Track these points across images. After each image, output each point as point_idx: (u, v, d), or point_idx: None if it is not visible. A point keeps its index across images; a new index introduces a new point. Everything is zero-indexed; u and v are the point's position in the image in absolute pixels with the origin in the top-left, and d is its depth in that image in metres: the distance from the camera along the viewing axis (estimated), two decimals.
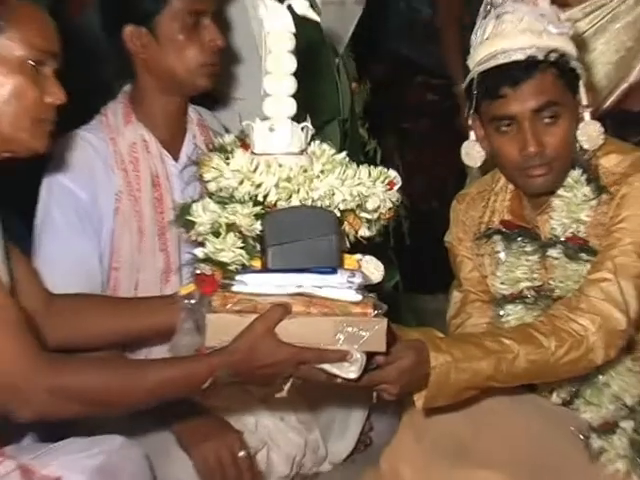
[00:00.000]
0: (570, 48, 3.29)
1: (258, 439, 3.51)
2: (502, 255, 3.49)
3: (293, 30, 2.78)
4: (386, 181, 2.80)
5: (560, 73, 3.24)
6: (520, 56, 3.21)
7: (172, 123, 3.71)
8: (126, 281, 3.61)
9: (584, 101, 3.34)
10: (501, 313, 3.49)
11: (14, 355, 2.63)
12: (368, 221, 2.83)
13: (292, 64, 2.78)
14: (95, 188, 3.55)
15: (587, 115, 3.33)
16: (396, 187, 2.83)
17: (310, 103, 2.82)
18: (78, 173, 3.53)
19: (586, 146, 3.32)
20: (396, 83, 7.01)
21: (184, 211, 2.81)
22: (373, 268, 2.82)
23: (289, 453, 3.57)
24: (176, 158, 3.70)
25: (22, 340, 2.66)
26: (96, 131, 3.63)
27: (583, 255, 3.34)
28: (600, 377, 3.39)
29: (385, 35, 6.96)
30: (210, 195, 2.78)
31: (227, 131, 3.80)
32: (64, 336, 3.05)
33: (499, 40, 3.26)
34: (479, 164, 3.46)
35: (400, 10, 7.40)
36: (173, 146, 3.70)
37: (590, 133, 3.31)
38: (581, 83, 3.34)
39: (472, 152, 3.42)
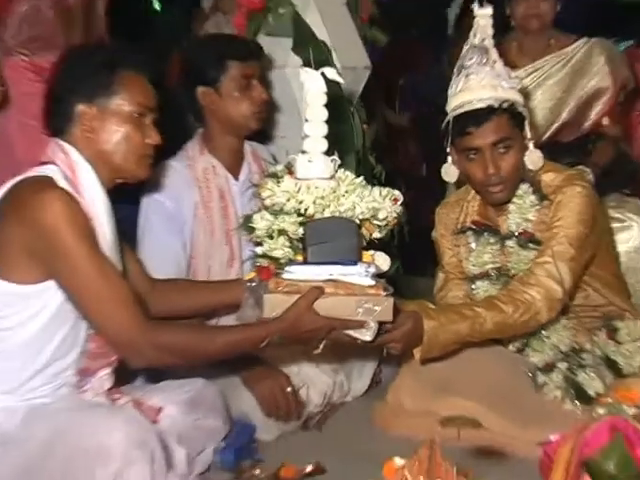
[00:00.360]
0: (518, 98, 3.32)
1: (300, 380, 3.48)
2: (473, 245, 3.54)
3: (326, 90, 2.76)
4: (392, 198, 2.82)
5: (510, 116, 3.27)
6: (482, 105, 3.25)
7: (233, 154, 3.69)
8: (201, 267, 3.60)
9: (528, 135, 3.37)
10: (473, 287, 3.53)
11: (129, 321, 2.62)
12: (379, 227, 2.83)
13: (325, 114, 2.78)
14: (179, 200, 3.55)
15: (531, 145, 3.38)
16: (399, 202, 2.84)
17: (334, 139, 2.81)
18: (167, 190, 3.54)
19: (531, 167, 3.36)
20: None
21: (247, 220, 2.86)
22: (382, 261, 2.83)
23: (322, 390, 3.54)
24: (236, 178, 3.69)
25: (134, 310, 2.64)
26: (180, 160, 3.63)
27: (531, 245, 3.41)
28: (543, 332, 3.45)
29: None
30: (266, 208, 2.81)
31: (275, 159, 3.83)
32: (162, 309, 3.04)
33: (467, 93, 3.28)
34: (454, 180, 3.46)
35: None
36: (234, 170, 3.69)
37: (533, 158, 3.35)
38: (526, 122, 3.35)
39: (449, 171, 3.41)
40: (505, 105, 3.24)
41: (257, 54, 3.66)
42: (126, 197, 2.98)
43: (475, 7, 3.30)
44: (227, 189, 3.65)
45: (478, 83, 3.26)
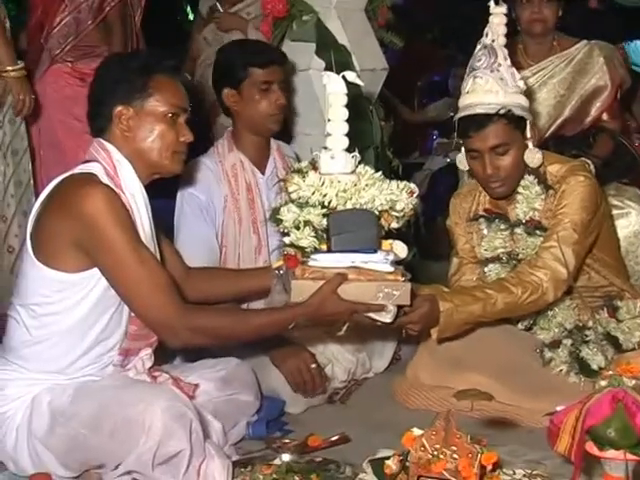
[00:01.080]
0: (520, 101, 3.29)
1: (325, 358, 3.50)
2: (485, 231, 3.54)
3: (346, 91, 2.75)
4: (408, 191, 2.79)
5: (508, 121, 3.24)
6: (482, 110, 3.24)
7: (259, 151, 3.70)
8: (231, 254, 3.62)
9: (529, 135, 3.34)
10: (485, 270, 3.51)
11: (166, 305, 2.63)
12: (397, 218, 2.80)
13: (345, 114, 2.75)
14: (210, 193, 3.58)
15: (531, 144, 3.35)
16: (415, 195, 2.82)
17: (354, 136, 2.80)
18: (199, 185, 3.57)
19: (530, 165, 3.34)
20: None
21: (275, 212, 2.83)
22: (400, 249, 2.80)
23: (346, 367, 3.56)
24: (263, 173, 3.70)
25: (171, 294, 2.65)
26: (210, 157, 3.66)
27: (537, 232, 3.41)
28: (549, 311, 3.45)
29: None
30: (292, 201, 2.77)
31: (297, 157, 3.85)
32: (197, 296, 3.04)
33: (472, 96, 3.29)
34: (467, 168, 3.44)
35: None
36: (260, 165, 3.70)
37: (532, 157, 3.34)
38: (528, 123, 3.33)
39: (463, 160, 3.41)
40: (502, 111, 3.22)
41: (279, 61, 3.66)
42: (162, 192, 2.98)
43: (491, 5, 3.27)
44: (254, 183, 3.67)
45: (482, 87, 3.25)
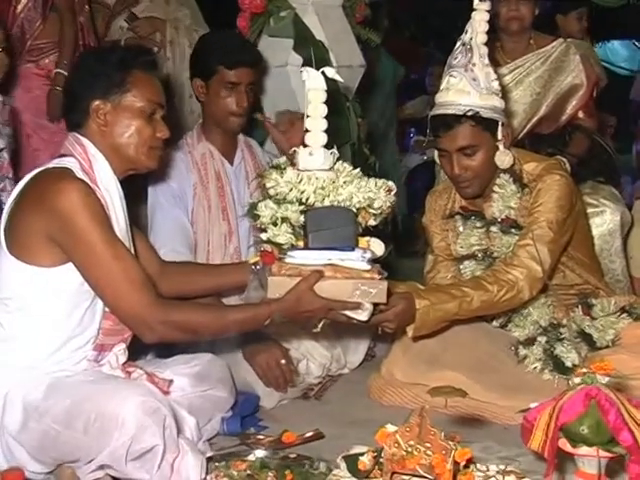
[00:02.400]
0: (492, 102, 3.30)
1: (300, 353, 3.52)
2: (460, 229, 3.57)
3: (325, 88, 2.76)
4: (386, 189, 2.80)
5: (475, 123, 3.27)
6: (451, 111, 3.27)
7: (227, 141, 3.78)
8: (202, 241, 3.67)
9: (500, 136, 3.34)
10: (461, 267, 3.54)
11: (140, 299, 2.64)
12: (374, 215, 2.81)
13: (324, 110, 2.76)
14: (181, 181, 3.66)
15: (501, 146, 3.36)
16: (392, 192, 2.82)
17: (331, 133, 2.80)
18: (171, 173, 3.65)
19: (500, 167, 3.36)
20: None
21: (252, 207, 2.84)
22: (377, 246, 2.81)
23: (321, 362, 3.58)
24: (231, 163, 3.78)
25: (146, 290, 2.66)
26: (180, 148, 3.74)
27: (513, 230, 3.45)
28: (524, 309, 3.47)
29: None
30: (269, 197, 2.79)
31: (263, 150, 3.97)
32: (172, 291, 3.03)
33: (445, 94, 3.32)
34: None
35: None
36: (228, 155, 3.78)
37: (502, 159, 3.37)
38: (500, 124, 3.33)
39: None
40: (470, 113, 3.24)
41: (250, 64, 3.70)
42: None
43: (475, 0, 3.29)
44: (223, 172, 3.75)
45: (455, 86, 3.28)
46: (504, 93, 3.43)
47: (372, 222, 2.82)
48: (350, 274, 2.71)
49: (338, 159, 2.84)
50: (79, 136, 2.76)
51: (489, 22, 3.33)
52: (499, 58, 4.27)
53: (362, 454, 2.46)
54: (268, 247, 2.74)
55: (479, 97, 3.25)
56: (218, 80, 3.63)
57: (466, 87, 3.24)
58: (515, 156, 3.40)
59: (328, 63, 3.91)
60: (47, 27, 4.52)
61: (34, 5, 4.48)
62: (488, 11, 3.30)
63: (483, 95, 3.26)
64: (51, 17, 4.53)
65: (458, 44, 3.30)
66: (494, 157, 3.33)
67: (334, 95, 2.95)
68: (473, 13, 3.29)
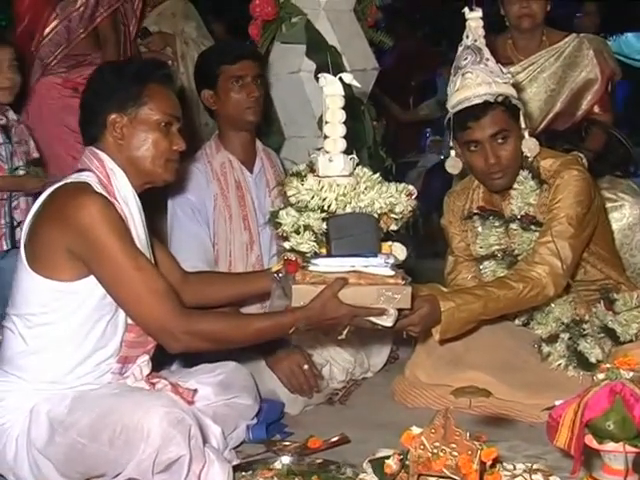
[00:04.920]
0: (511, 91, 3.36)
1: (323, 358, 3.55)
2: (480, 229, 3.58)
3: (343, 93, 2.79)
4: (407, 193, 2.82)
5: (505, 109, 3.31)
6: (479, 100, 3.28)
7: (245, 149, 3.79)
8: (223, 251, 3.68)
9: (523, 125, 3.38)
10: (481, 267, 3.56)
11: (163, 310, 2.66)
12: (396, 220, 2.83)
13: (343, 116, 2.79)
14: (200, 194, 3.66)
15: (526, 134, 3.39)
16: (413, 196, 2.84)
17: (349, 138, 2.82)
18: (190, 186, 3.65)
19: (528, 154, 3.39)
20: None
21: (274, 216, 2.85)
22: (400, 251, 2.84)
23: (344, 367, 3.61)
24: (251, 171, 3.79)
25: (169, 300, 2.68)
26: (199, 159, 3.75)
27: (532, 227, 3.45)
28: (546, 306, 3.47)
29: None
30: (291, 205, 2.80)
31: (281, 161, 3.99)
32: (194, 300, 3.07)
33: (465, 91, 3.32)
34: (457, 172, 3.51)
35: None
36: (248, 163, 3.79)
37: (529, 145, 3.38)
38: (521, 113, 3.38)
39: (453, 164, 3.45)
40: (500, 99, 3.29)
41: (250, 56, 3.75)
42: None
43: (466, 11, 3.37)
44: (243, 180, 3.76)
45: (474, 81, 3.30)
46: (518, 91, 3.46)
47: (393, 227, 2.85)
48: (374, 280, 2.73)
49: (357, 164, 2.86)
50: (96, 150, 2.80)
51: (499, 20, 3.36)
52: (511, 55, 4.32)
53: (388, 457, 2.48)
54: (291, 255, 2.75)
55: (500, 86, 3.30)
56: (224, 80, 3.67)
57: (486, 79, 3.28)
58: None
59: (341, 67, 3.95)
60: (86, 40, 4.59)
61: (79, 15, 4.53)
62: (482, 18, 3.37)
63: (503, 84, 3.31)
64: (93, 32, 4.60)
65: (461, 48, 3.37)
66: (521, 145, 3.36)
67: (349, 100, 2.97)
68: (467, 22, 3.37)
